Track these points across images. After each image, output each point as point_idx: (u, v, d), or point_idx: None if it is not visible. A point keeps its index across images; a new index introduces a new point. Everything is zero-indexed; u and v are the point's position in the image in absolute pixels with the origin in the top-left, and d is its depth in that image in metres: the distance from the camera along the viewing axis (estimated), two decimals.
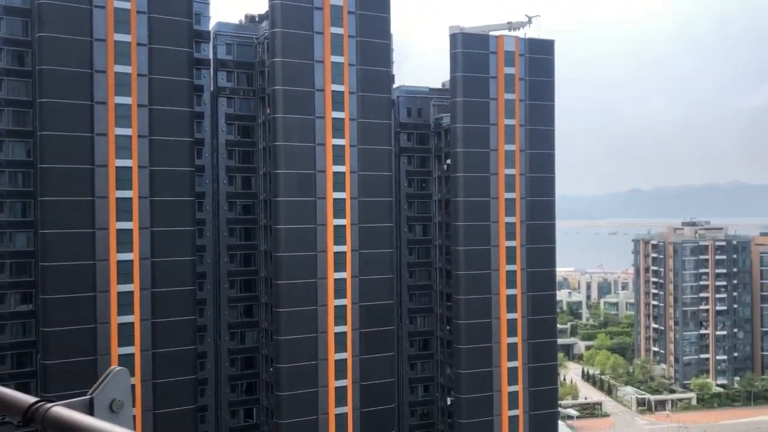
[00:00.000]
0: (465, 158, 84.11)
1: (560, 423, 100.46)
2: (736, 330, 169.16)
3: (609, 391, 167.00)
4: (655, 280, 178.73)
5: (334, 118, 77.30)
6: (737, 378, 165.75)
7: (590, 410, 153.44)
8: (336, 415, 77.22)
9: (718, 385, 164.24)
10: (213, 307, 78.63)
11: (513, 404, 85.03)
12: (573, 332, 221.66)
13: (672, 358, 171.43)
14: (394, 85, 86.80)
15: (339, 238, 77.46)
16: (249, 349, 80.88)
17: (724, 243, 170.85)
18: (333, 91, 77.17)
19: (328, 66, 76.87)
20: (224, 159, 79.69)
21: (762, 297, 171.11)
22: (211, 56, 79.05)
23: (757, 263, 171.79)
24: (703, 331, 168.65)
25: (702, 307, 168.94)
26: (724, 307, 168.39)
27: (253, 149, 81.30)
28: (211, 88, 79.23)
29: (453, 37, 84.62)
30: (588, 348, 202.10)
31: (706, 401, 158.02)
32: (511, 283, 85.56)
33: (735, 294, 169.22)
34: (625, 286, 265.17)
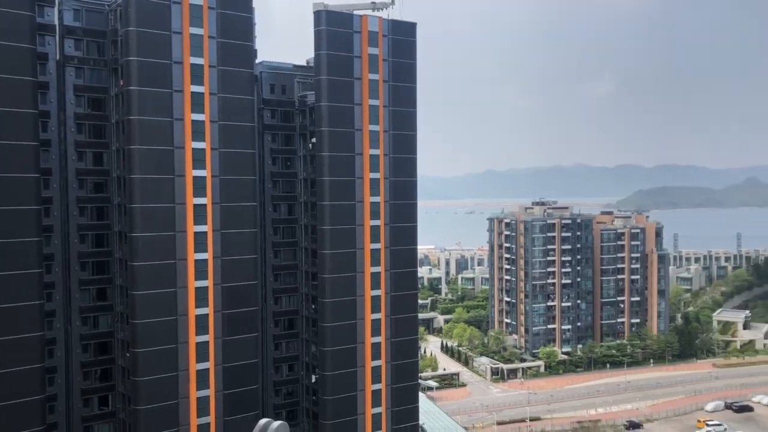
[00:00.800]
0: (330, 137, 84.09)
1: (421, 394, 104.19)
2: (579, 301, 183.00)
3: (466, 362, 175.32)
4: (508, 256, 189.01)
5: (193, 92, 74.29)
6: (580, 346, 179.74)
7: (449, 381, 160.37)
8: (198, 398, 75.32)
9: (563, 353, 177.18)
10: (62, 290, 73.69)
11: (376, 378, 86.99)
12: (433, 307, 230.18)
13: (522, 329, 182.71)
14: (257, 61, 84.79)
15: (199, 218, 75.04)
16: (103, 334, 76.70)
17: (569, 221, 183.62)
18: (192, 64, 74.09)
19: (186, 37, 73.65)
20: (73, 133, 74.35)
21: (602, 270, 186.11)
22: (56, 22, 73.17)
23: (598, 240, 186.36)
24: (550, 303, 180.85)
25: (549, 281, 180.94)
26: (569, 281, 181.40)
27: (105, 123, 76.47)
28: (57, 57, 73.45)
29: (317, 14, 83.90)
30: (447, 321, 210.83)
31: (553, 368, 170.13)
32: (375, 261, 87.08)
33: (579, 268, 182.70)
34: (481, 262, 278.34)
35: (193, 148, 74.56)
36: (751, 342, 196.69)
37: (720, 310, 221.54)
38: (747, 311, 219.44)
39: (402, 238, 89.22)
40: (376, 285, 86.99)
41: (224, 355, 76.53)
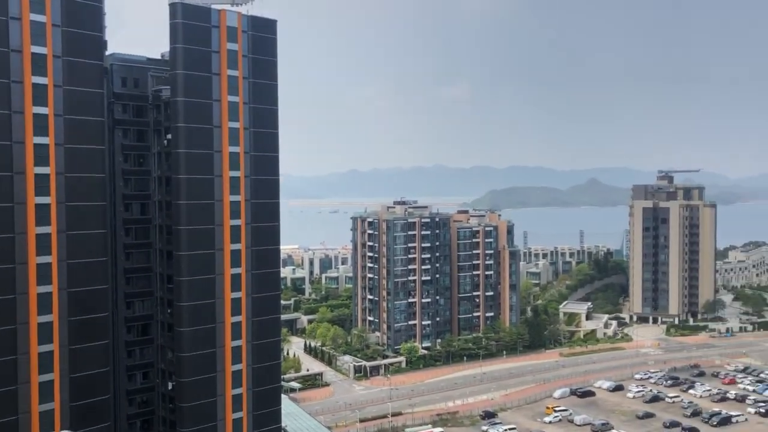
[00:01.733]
0: (187, 133, 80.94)
1: (283, 396, 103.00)
2: (438, 297, 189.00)
3: (329, 362, 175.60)
4: (371, 254, 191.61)
5: (35, 84, 68.94)
6: (439, 340, 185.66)
7: (312, 381, 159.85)
8: (41, 413, 69.92)
9: (423, 348, 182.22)
10: None
11: (237, 383, 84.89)
12: (296, 307, 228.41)
13: (385, 326, 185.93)
14: (107, 52, 79.96)
15: (42, 218, 69.68)
16: None
17: (429, 220, 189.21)
18: (33, 54, 68.73)
19: (26, 24, 68.17)
20: None
21: (459, 267, 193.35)
22: None
23: (455, 237, 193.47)
24: (411, 300, 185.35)
25: (411, 278, 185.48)
26: (429, 277, 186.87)
27: None
28: None
29: (173, 7, 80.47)
30: (311, 322, 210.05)
31: (414, 363, 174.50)
32: (235, 262, 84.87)
33: (437, 265, 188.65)
34: (345, 261, 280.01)
35: (34, 144, 69.13)
36: (593, 331, 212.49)
37: (565, 302, 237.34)
38: (589, 303, 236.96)
39: (264, 238, 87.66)
40: (236, 287, 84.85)
41: (71, 364, 71.53)
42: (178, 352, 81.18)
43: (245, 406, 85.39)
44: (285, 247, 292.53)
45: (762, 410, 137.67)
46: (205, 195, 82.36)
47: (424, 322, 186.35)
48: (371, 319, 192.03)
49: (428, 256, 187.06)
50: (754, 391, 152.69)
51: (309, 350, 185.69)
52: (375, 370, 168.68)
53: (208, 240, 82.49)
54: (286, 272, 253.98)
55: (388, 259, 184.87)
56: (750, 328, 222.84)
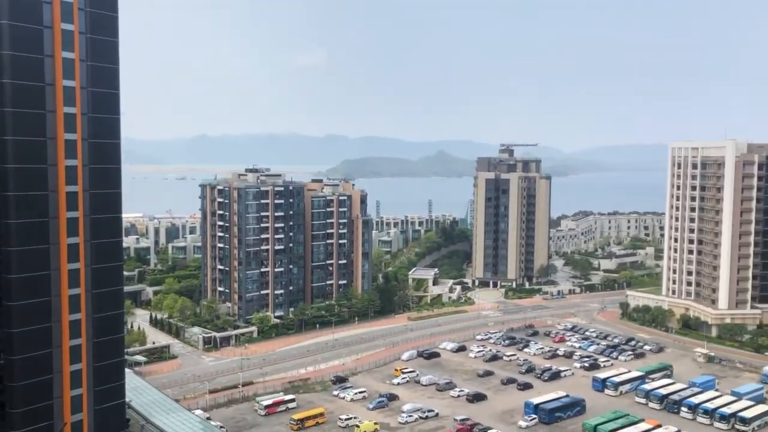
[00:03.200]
0: (13, 92, 73.64)
1: (128, 371, 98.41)
2: (291, 266, 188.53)
3: (177, 334, 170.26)
4: (221, 223, 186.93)
5: None
6: (292, 309, 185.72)
7: (159, 354, 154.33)
8: None
9: (276, 317, 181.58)
10: None
11: (76, 358, 79.82)
12: (141, 278, 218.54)
13: (236, 296, 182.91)
14: None
15: None
16: None
17: (282, 188, 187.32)
18: None
19: None
20: None
21: (313, 236, 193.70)
22: None
23: (309, 206, 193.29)
24: (263, 269, 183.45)
25: (263, 247, 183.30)
26: (282, 247, 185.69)
27: None
28: None
29: None
30: (156, 293, 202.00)
31: (266, 332, 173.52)
32: (72, 231, 79.05)
33: (291, 234, 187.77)
34: (193, 230, 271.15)
35: None
36: (439, 296, 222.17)
37: (414, 269, 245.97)
38: (436, 269, 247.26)
39: (104, 206, 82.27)
40: (74, 258, 79.22)
41: None
42: (7, 327, 74.79)
43: (85, 382, 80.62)
44: (128, 216, 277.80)
45: (586, 365, 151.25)
46: (36, 158, 75.70)
47: (276, 292, 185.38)
48: (222, 289, 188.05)
49: (281, 225, 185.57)
50: (580, 347, 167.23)
51: (155, 323, 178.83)
52: (225, 341, 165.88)
53: (40, 208, 76.13)
54: (129, 242, 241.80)
55: (239, 228, 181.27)
56: (578, 290, 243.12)
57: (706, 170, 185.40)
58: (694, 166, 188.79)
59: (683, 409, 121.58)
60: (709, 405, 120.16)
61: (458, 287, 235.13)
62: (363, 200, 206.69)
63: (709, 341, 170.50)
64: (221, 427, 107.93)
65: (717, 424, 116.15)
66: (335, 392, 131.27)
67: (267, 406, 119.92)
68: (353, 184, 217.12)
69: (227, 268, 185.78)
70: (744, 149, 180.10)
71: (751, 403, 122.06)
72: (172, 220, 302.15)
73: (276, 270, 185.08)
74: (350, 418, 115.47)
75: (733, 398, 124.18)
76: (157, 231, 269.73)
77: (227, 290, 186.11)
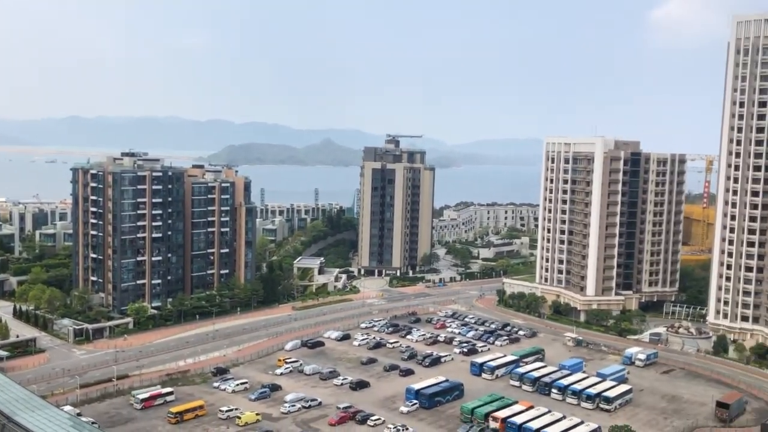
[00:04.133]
0: None
1: None
2: (170, 255, 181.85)
3: (45, 326, 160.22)
4: (95, 209, 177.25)
5: None
6: (170, 299, 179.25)
7: (23, 348, 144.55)
8: None
9: (153, 308, 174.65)
10: None
11: None
12: (4, 268, 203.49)
13: (110, 286, 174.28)
14: None
15: None
16: None
17: (161, 174, 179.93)
18: None
19: None
20: None
21: (193, 224, 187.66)
22: None
23: (190, 193, 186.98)
24: (140, 258, 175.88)
25: (140, 235, 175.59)
26: (160, 234, 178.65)
27: None
28: None
29: None
30: (21, 283, 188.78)
31: (143, 324, 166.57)
32: None
33: (170, 222, 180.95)
34: (63, 217, 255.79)
35: None
36: (325, 285, 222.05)
37: (300, 258, 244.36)
38: (322, 258, 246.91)
39: None
40: None
41: None
42: None
43: None
44: None
45: (465, 350, 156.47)
46: None
47: (154, 281, 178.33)
48: (95, 279, 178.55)
49: (160, 212, 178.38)
50: (459, 333, 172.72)
51: (19, 315, 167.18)
52: (99, 333, 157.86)
53: None
54: None
55: (114, 215, 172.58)
56: (459, 278, 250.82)
57: (577, 165, 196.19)
58: (567, 161, 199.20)
59: (553, 390, 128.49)
60: (577, 386, 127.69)
61: (344, 276, 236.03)
62: (247, 187, 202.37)
63: (577, 326, 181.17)
64: (93, 422, 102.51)
65: (584, 404, 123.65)
66: (216, 384, 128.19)
67: (143, 400, 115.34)
68: (237, 171, 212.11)
69: (101, 257, 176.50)
70: (612, 146, 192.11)
71: (614, 383, 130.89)
72: (40, 205, 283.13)
73: (153, 259, 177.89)
74: (231, 410, 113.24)
75: (598, 379, 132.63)
76: (22, 217, 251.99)
77: (101, 280, 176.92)
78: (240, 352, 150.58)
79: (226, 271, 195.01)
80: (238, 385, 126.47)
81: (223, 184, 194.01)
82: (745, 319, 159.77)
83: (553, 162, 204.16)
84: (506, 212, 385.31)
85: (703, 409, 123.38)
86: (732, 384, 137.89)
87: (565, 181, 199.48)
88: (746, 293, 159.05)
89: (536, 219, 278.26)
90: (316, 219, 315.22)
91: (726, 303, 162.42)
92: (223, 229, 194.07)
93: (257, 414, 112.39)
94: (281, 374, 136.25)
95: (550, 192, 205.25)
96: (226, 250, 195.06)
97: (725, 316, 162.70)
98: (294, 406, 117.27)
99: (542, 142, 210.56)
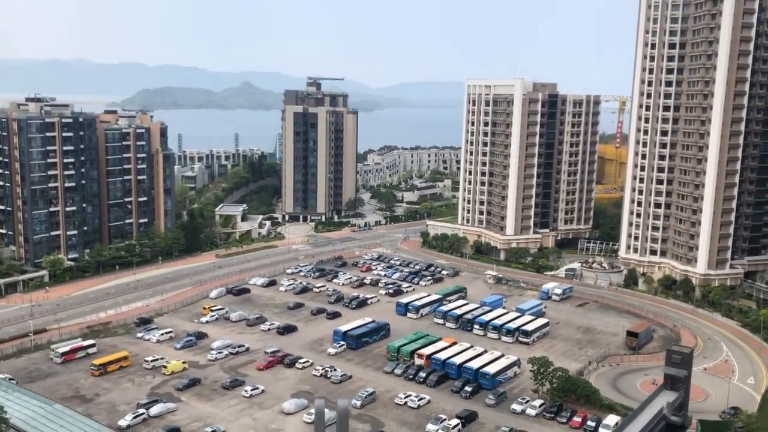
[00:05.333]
0: None
1: None
2: (85, 205, 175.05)
3: None
4: (0, 159, 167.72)
5: None
6: (87, 250, 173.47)
7: None
8: None
9: (70, 260, 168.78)
10: None
11: None
12: None
13: (22, 239, 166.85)
14: None
15: None
16: None
17: (71, 120, 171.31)
18: None
19: None
20: None
21: (108, 172, 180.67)
22: None
23: (103, 140, 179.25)
24: (53, 209, 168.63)
25: (51, 184, 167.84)
26: (73, 184, 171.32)
27: None
28: None
29: None
30: None
31: (59, 276, 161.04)
32: None
33: (83, 170, 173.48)
34: None
35: None
36: (248, 232, 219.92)
37: (222, 205, 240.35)
38: (244, 205, 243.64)
39: None
40: None
41: None
42: None
43: None
44: None
45: (391, 291, 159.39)
46: None
47: (69, 233, 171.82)
48: (4, 231, 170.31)
49: (72, 160, 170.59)
50: (385, 275, 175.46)
51: None
52: (12, 288, 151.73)
53: None
54: None
55: (22, 164, 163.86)
56: (384, 221, 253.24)
57: (498, 107, 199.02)
58: (487, 103, 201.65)
59: (475, 326, 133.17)
60: (498, 321, 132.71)
61: (268, 222, 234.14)
62: (163, 133, 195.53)
63: (498, 264, 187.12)
64: (10, 379, 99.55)
65: (504, 338, 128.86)
66: (140, 334, 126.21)
67: (63, 354, 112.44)
68: (152, 116, 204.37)
69: (10, 208, 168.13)
70: (530, 88, 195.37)
71: (532, 317, 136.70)
72: None
73: (67, 209, 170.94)
74: (157, 360, 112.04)
75: (517, 314, 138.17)
76: None
77: (11, 232, 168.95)
78: (163, 302, 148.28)
79: (145, 220, 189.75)
80: (162, 334, 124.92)
81: (138, 131, 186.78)
82: (653, 253, 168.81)
83: (474, 104, 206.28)
84: (429, 155, 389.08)
85: (615, 339, 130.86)
86: (641, 314, 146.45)
87: (486, 124, 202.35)
88: (655, 228, 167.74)
89: (458, 162, 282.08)
90: (237, 165, 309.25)
91: (636, 238, 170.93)
92: (140, 177, 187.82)
93: (183, 362, 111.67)
94: (207, 322, 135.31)
95: (472, 134, 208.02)
96: (144, 199, 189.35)
97: (635, 250, 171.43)
98: (221, 353, 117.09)
99: (463, 85, 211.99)
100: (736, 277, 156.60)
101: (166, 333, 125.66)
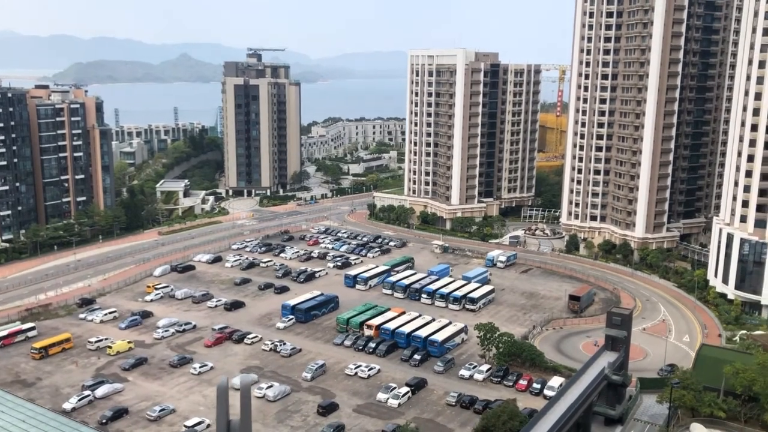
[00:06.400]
0: None
1: None
2: (18, 184, 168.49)
3: None
4: None
5: None
6: (23, 231, 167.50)
7: None
8: None
9: (5, 241, 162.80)
10: None
11: None
12: None
13: None
14: None
15: None
16: None
17: None
18: None
19: None
20: None
21: (41, 149, 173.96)
22: None
23: (35, 116, 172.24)
24: None
25: None
26: (5, 162, 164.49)
27: None
28: None
29: None
30: None
31: None
32: None
33: (14, 148, 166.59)
34: None
35: None
36: (191, 208, 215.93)
37: (162, 181, 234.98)
38: (186, 180, 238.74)
39: None
40: None
41: None
42: None
43: None
44: None
45: (339, 264, 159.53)
46: None
47: (2, 213, 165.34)
48: None
49: (2, 138, 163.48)
50: (332, 248, 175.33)
51: None
52: None
53: None
54: None
55: None
56: (330, 194, 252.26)
57: (441, 77, 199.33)
58: (430, 74, 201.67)
59: (423, 295, 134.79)
60: (445, 290, 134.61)
61: (211, 198, 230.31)
62: (99, 108, 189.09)
63: (444, 234, 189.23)
64: None
65: (451, 306, 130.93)
66: (82, 315, 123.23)
67: (1, 338, 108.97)
68: (86, 91, 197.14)
69: None
70: (473, 58, 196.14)
71: (478, 285, 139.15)
72: None
73: (0, 189, 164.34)
74: (101, 340, 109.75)
75: (463, 282, 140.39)
76: None
77: None
78: (106, 281, 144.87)
79: (84, 198, 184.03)
80: (106, 314, 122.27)
81: (72, 106, 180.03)
82: (593, 218, 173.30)
83: (417, 75, 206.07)
84: (374, 127, 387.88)
85: (558, 303, 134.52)
86: (582, 278, 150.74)
87: (430, 94, 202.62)
88: (594, 195, 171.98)
89: (404, 133, 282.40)
90: (177, 140, 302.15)
91: (577, 205, 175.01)
92: (76, 154, 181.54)
93: (129, 342, 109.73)
94: (152, 301, 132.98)
95: (416, 105, 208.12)
96: (82, 176, 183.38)
97: (576, 216, 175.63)
98: (167, 331, 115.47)
99: (406, 55, 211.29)
100: (672, 240, 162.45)
101: (110, 313, 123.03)
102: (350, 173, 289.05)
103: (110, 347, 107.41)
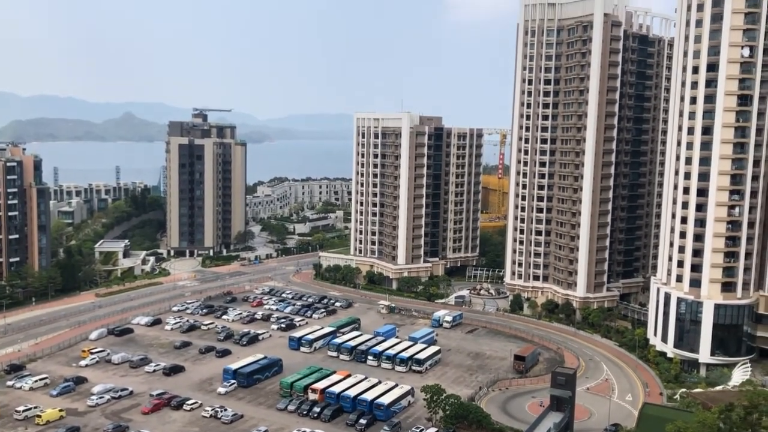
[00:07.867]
0: None
1: None
2: None
3: None
4: None
5: None
6: None
7: None
8: None
9: None
10: None
11: None
12: None
13: None
14: None
15: None
16: None
17: None
18: None
19: None
20: None
21: None
22: None
23: None
24: None
25: None
26: None
27: None
28: None
29: None
30: None
31: None
32: None
33: None
34: None
35: None
36: (131, 269, 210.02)
37: (102, 241, 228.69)
38: (126, 240, 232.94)
39: None
40: None
41: None
42: None
43: None
44: None
45: (283, 326, 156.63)
46: None
47: None
48: None
49: None
50: (277, 309, 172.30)
51: None
52: None
53: None
54: None
55: None
56: (275, 254, 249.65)
57: (386, 140, 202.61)
58: (376, 136, 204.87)
59: (369, 357, 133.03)
60: (391, 351, 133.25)
61: (152, 258, 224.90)
62: (37, 166, 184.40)
63: (390, 294, 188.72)
64: None
65: (398, 368, 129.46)
66: (10, 383, 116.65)
67: None
68: (24, 149, 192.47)
69: None
70: (417, 121, 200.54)
71: (424, 345, 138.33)
72: None
73: None
74: (29, 409, 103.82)
75: (410, 343, 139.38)
76: None
77: None
78: (37, 346, 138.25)
79: (17, 258, 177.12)
80: (36, 381, 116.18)
81: (8, 164, 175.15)
82: (536, 278, 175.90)
83: (363, 137, 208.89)
84: (321, 187, 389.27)
85: (504, 363, 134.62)
86: (527, 338, 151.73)
87: (375, 156, 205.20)
88: (537, 255, 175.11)
89: (350, 193, 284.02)
90: (118, 199, 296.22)
91: (520, 265, 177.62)
92: (11, 213, 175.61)
93: (60, 410, 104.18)
94: (86, 366, 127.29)
95: (362, 166, 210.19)
96: (16, 236, 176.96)
97: (520, 276, 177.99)
98: (102, 397, 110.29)
99: (351, 117, 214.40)
100: (612, 299, 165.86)
101: (41, 380, 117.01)
102: (296, 233, 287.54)
103: (39, 416, 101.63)
